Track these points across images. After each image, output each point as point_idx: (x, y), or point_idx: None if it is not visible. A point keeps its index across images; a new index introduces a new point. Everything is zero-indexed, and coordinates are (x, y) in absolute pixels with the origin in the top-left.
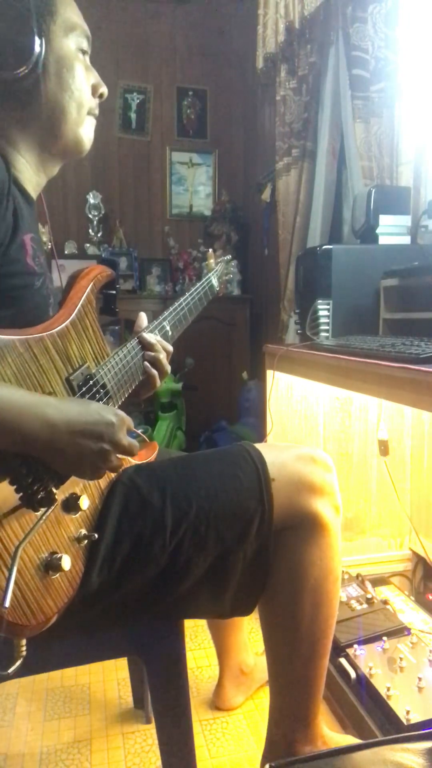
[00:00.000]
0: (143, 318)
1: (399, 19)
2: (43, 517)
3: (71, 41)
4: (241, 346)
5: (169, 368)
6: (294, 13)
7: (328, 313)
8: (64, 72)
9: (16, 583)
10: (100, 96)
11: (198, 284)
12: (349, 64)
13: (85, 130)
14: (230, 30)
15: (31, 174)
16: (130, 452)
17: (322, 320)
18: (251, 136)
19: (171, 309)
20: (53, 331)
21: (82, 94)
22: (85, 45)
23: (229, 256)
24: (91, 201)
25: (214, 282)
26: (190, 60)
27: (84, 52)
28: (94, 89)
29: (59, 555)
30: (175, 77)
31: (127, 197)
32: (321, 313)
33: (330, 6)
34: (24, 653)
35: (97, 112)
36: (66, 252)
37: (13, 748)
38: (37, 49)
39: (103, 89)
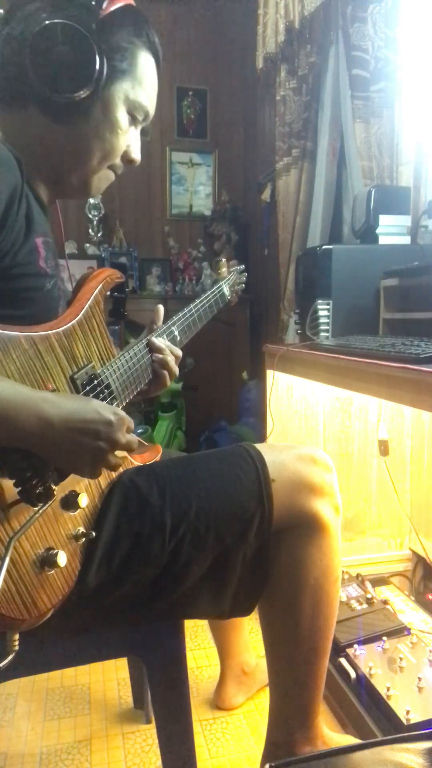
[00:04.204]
0: (161, 311)
1: (399, 19)
2: (39, 512)
3: (126, 105)
4: (241, 346)
5: (177, 371)
6: (294, 13)
7: (328, 313)
8: (106, 122)
9: (10, 576)
10: (130, 162)
11: (209, 291)
12: (349, 64)
13: (97, 177)
14: (230, 30)
15: (45, 188)
16: (128, 448)
17: (322, 320)
18: (251, 136)
19: (181, 314)
20: (59, 329)
21: (112, 149)
22: (140, 117)
23: (242, 266)
24: (91, 201)
25: (226, 290)
26: (190, 60)
27: (135, 120)
28: (126, 153)
29: (55, 551)
30: (175, 77)
31: (127, 197)
32: (321, 313)
33: (330, 6)
34: (17, 647)
35: (120, 171)
36: (66, 252)
37: (13, 748)
38: (90, 85)
39: (135, 156)
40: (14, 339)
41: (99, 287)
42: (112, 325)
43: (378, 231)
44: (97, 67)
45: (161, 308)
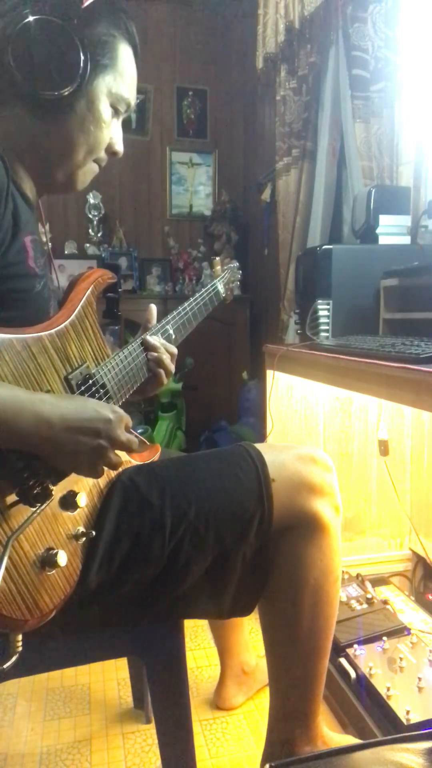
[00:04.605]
0: (153, 310)
1: (399, 19)
2: (37, 512)
3: (109, 98)
4: (241, 346)
5: (173, 368)
6: (294, 13)
7: (328, 313)
8: (90, 117)
9: (11, 577)
10: (113, 153)
11: (203, 289)
12: (349, 64)
13: (82, 171)
14: (230, 30)
15: (31, 185)
16: (128, 447)
17: (322, 320)
18: (251, 136)
19: (175, 313)
20: (52, 330)
21: (96, 143)
22: (122, 109)
23: (236, 263)
24: (91, 201)
25: (220, 288)
26: (190, 60)
27: (118, 112)
28: (110, 145)
29: (55, 551)
30: (175, 77)
31: (127, 197)
32: (321, 313)
33: (330, 6)
34: (20, 648)
35: (104, 164)
36: (66, 252)
37: (13, 748)
38: (75, 82)
39: (118, 149)
40: (6, 341)
41: (91, 288)
42: (111, 326)
43: (378, 231)
44: (81, 63)
45: (153, 307)
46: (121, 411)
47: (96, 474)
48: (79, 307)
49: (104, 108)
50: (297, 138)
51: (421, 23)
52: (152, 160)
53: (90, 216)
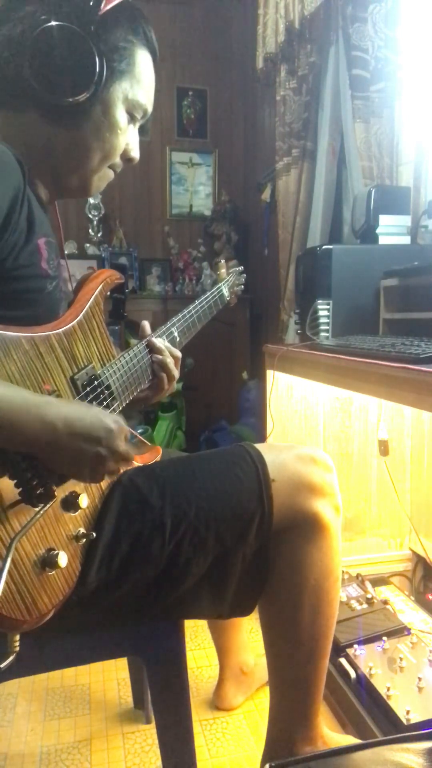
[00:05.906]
0: (147, 326)
1: (399, 19)
2: (40, 512)
3: (125, 105)
4: (241, 346)
5: (177, 373)
6: (294, 13)
7: (328, 313)
8: (105, 123)
9: (11, 577)
10: (129, 160)
11: (208, 293)
12: (349, 64)
13: (97, 177)
14: (230, 30)
15: (45, 189)
16: (126, 460)
17: (322, 320)
18: (251, 136)
19: (180, 315)
20: (59, 330)
21: (112, 149)
22: (138, 115)
23: (241, 267)
24: (91, 201)
25: (225, 291)
26: (190, 60)
27: (134, 119)
28: (126, 152)
29: (56, 552)
30: (175, 77)
31: (127, 197)
32: (321, 313)
33: (330, 6)
34: (17, 648)
35: (119, 170)
36: (66, 252)
37: (13, 748)
38: (91, 88)
39: (134, 155)
40: (15, 340)
41: (99, 288)
42: (112, 326)
43: (378, 231)
44: (97, 69)
45: (147, 324)
46: (122, 422)
47: (95, 480)
48: (87, 307)
49: (120, 114)
50: (297, 138)
51: (421, 23)
52: (152, 160)
53: (90, 216)
